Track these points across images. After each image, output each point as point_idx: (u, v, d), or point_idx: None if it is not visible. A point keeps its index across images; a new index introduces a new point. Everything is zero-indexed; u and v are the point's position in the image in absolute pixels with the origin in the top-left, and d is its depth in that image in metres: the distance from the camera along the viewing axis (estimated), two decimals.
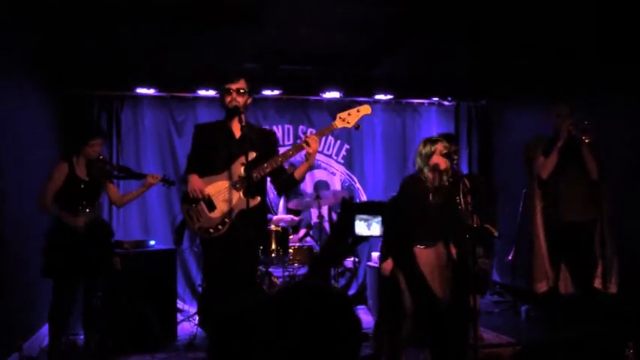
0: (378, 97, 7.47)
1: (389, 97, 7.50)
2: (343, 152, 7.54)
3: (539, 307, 5.81)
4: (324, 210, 6.73)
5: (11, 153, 4.63)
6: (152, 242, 5.55)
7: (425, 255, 4.22)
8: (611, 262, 4.88)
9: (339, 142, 7.52)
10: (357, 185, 7.54)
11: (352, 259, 6.43)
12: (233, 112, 3.91)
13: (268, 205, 6.37)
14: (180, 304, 6.22)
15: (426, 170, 4.26)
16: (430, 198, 4.27)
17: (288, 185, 4.16)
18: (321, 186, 7.39)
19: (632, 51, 5.21)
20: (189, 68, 6.58)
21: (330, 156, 7.51)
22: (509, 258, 6.28)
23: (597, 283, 4.79)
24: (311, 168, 4.33)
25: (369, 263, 6.76)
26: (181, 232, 5.56)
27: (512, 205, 5.98)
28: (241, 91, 3.93)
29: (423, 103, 7.77)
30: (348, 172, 7.54)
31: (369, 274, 6.81)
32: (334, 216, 6.60)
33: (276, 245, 5.73)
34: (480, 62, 6.53)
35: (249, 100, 4.02)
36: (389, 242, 4.44)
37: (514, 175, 6.10)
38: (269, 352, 1.30)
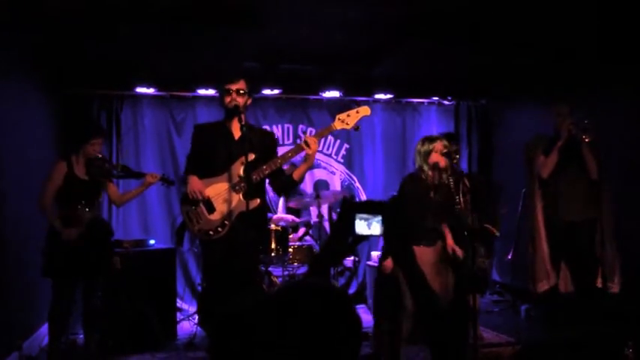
0: (377, 96, 7.47)
1: (389, 96, 7.50)
2: (343, 151, 7.54)
3: (539, 307, 5.81)
4: (324, 209, 6.73)
5: (11, 153, 4.63)
6: (152, 241, 5.55)
7: (425, 254, 4.22)
8: (614, 262, 4.88)
9: (338, 141, 7.52)
10: (357, 184, 7.54)
11: (352, 258, 6.43)
12: (233, 112, 3.90)
13: (268, 203, 6.37)
14: (179, 304, 6.23)
15: (425, 168, 4.26)
16: (431, 196, 4.28)
17: (287, 186, 4.14)
18: (320, 185, 7.40)
19: (632, 51, 5.21)
20: (188, 67, 6.57)
21: (329, 155, 7.51)
22: (509, 257, 6.28)
23: (599, 283, 4.79)
24: (310, 168, 4.33)
25: (369, 262, 6.76)
26: (181, 234, 5.55)
27: (511, 204, 5.98)
28: (241, 91, 3.93)
29: (422, 103, 7.77)
30: (347, 171, 7.54)
31: (368, 273, 6.82)
32: (334, 215, 6.60)
33: (276, 244, 5.74)
34: (480, 62, 6.53)
35: (249, 101, 4.02)
36: (389, 241, 4.44)
37: (514, 174, 6.11)
38: (269, 352, 1.30)
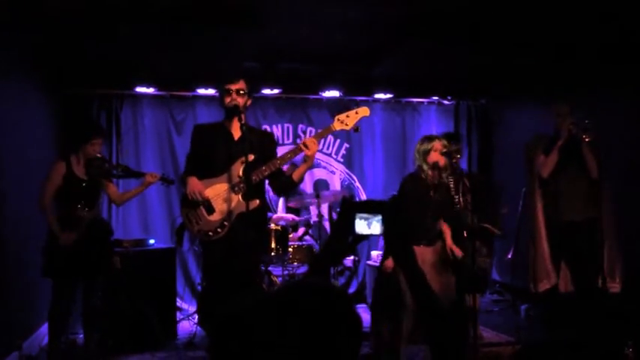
0: (377, 96, 7.48)
1: (388, 96, 7.51)
2: (343, 151, 7.54)
3: (539, 306, 5.81)
4: (324, 209, 6.73)
5: (11, 153, 4.63)
6: (152, 241, 5.55)
7: (425, 254, 4.23)
8: (615, 262, 4.87)
9: (338, 140, 7.52)
10: (357, 184, 7.55)
11: (352, 257, 6.43)
12: (232, 111, 3.89)
13: (268, 203, 6.38)
14: (179, 303, 6.23)
15: (425, 168, 4.27)
16: (431, 195, 4.28)
17: (287, 187, 4.13)
18: (320, 185, 7.40)
19: (632, 51, 5.21)
20: (188, 67, 6.57)
21: (329, 155, 7.51)
22: (509, 257, 6.28)
23: (600, 283, 4.79)
24: (310, 169, 4.33)
25: (369, 262, 6.77)
26: (181, 235, 5.56)
27: (511, 204, 5.98)
28: (241, 92, 3.92)
29: (422, 102, 7.77)
30: (347, 170, 7.55)
31: (368, 273, 6.83)
32: (334, 215, 6.61)
33: (276, 244, 5.74)
34: (480, 61, 6.53)
35: (249, 102, 4.01)
36: (390, 241, 4.45)
37: (514, 174, 6.10)
38: (269, 352, 1.30)
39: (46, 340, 4.81)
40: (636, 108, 5.34)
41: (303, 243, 6.26)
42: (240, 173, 3.84)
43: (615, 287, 4.86)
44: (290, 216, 6.51)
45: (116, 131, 6.77)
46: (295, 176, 3.96)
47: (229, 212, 3.86)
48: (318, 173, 7.46)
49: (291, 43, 6.03)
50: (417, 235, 4.25)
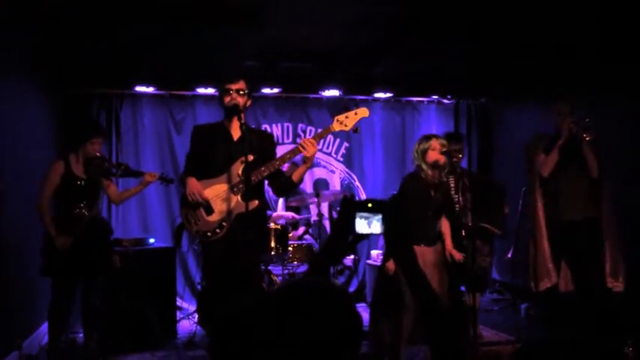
0: (377, 95, 7.48)
1: (388, 95, 7.51)
2: (343, 150, 7.54)
3: (539, 305, 5.82)
4: (324, 208, 6.73)
5: (11, 153, 4.63)
6: (151, 240, 5.55)
7: (425, 253, 4.23)
8: (618, 261, 4.87)
9: (338, 140, 7.52)
10: (357, 183, 7.55)
11: (352, 256, 6.44)
12: (232, 110, 3.88)
13: (267, 201, 6.38)
14: (179, 302, 6.23)
15: (424, 167, 4.27)
16: (431, 195, 4.28)
17: (286, 188, 4.12)
18: (320, 184, 7.40)
19: (632, 50, 5.20)
20: (188, 66, 6.57)
21: (329, 154, 7.51)
22: (509, 256, 6.28)
23: (608, 282, 4.79)
24: (310, 168, 4.33)
25: (369, 261, 6.77)
26: (179, 235, 5.56)
27: (511, 203, 5.98)
28: (241, 92, 3.92)
29: (422, 101, 7.77)
30: (347, 170, 7.54)
31: (368, 272, 6.83)
32: (334, 214, 6.61)
33: (276, 243, 5.74)
34: (480, 61, 6.53)
35: (249, 102, 4.01)
36: (390, 242, 4.45)
37: (513, 173, 6.10)
38: (269, 351, 1.30)
39: (46, 339, 4.81)
40: (636, 108, 5.33)
41: (303, 242, 6.26)
42: (240, 174, 3.84)
43: (618, 287, 4.85)
44: (290, 214, 6.51)
45: (116, 130, 6.76)
46: (295, 177, 3.95)
47: (228, 213, 3.86)
48: (318, 172, 7.46)
49: (291, 43, 6.03)
50: (417, 235, 4.25)
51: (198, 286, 6.35)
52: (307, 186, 7.22)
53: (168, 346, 5.14)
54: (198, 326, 5.36)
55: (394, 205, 4.58)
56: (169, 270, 5.43)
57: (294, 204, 6.68)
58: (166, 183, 5.05)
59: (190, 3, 4.90)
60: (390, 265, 4.28)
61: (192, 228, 3.94)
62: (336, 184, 7.49)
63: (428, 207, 4.26)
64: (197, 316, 5.48)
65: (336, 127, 3.91)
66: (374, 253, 6.69)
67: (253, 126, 5.75)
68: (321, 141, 7.31)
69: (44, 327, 4.99)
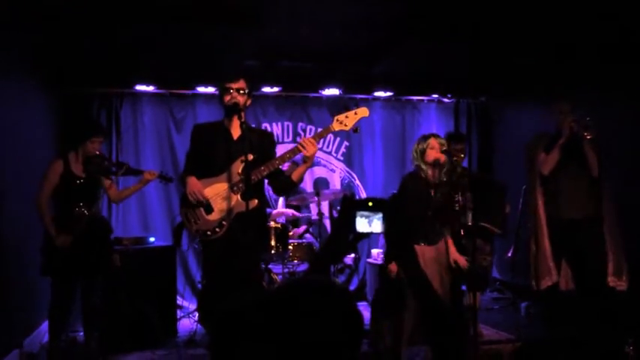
0: (377, 94, 7.48)
1: (388, 94, 7.51)
2: (343, 149, 7.54)
3: (539, 304, 5.82)
4: (324, 207, 6.73)
5: (11, 153, 4.62)
6: (152, 239, 5.56)
7: (426, 253, 4.23)
8: (620, 260, 4.86)
9: (338, 139, 7.52)
10: (357, 182, 7.55)
11: (352, 255, 6.44)
12: (232, 109, 3.87)
13: (267, 199, 6.38)
14: (180, 301, 6.23)
15: (423, 167, 4.27)
16: (431, 194, 4.28)
17: (286, 187, 4.11)
18: (320, 183, 7.40)
19: (633, 50, 5.20)
20: (188, 65, 6.57)
21: (329, 153, 7.52)
22: (509, 255, 6.28)
23: (611, 281, 4.78)
24: (309, 168, 4.33)
25: (369, 260, 6.77)
26: (179, 234, 5.55)
27: (512, 202, 5.98)
28: (241, 91, 3.91)
29: (422, 100, 7.77)
30: (347, 169, 7.55)
31: (368, 271, 6.83)
32: (334, 213, 6.61)
33: (276, 242, 5.74)
34: (480, 60, 6.53)
35: (249, 102, 4.00)
36: (391, 242, 4.44)
37: (514, 172, 6.10)
38: (269, 350, 1.30)
39: (46, 338, 4.81)
40: (636, 108, 5.33)
41: (303, 241, 6.26)
42: (240, 173, 3.84)
43: (622, 286, 4.84)
44: (290, 211, 6.50)
45: (116, 129, 6.77)
46: (295, 176, 3.95)
47: (228, 212, 3.86)
48: (318, 171, 7.46)
49: (291, 42, 6.03)
50: (417, 234, 4.25)
51: (199, 285, 6.35)
52: (307, 185, 7.22)
53: (168, 344, 5.14)
54: (198, 325, 5.36)
55: (394, 205, 4.58)
56: (169, 269, 5.43)
57: (294, 203, 6.68)
58: (165, 181, 5.04)
59: (190, 3, 4.89)
60: (393, 267, 4.27)
61: (192, 227, 3.94)
62: (336, 183, 7.49)
63: (428, 207, 4.25)
64: (197, 314, 5.48)
65: (335, 126, 3.91)
66: (374, 251, 6.69)
67: (253, 125, 5.76)
68: (321, 140, 7.30)
69: (44, 326, 4.99)
